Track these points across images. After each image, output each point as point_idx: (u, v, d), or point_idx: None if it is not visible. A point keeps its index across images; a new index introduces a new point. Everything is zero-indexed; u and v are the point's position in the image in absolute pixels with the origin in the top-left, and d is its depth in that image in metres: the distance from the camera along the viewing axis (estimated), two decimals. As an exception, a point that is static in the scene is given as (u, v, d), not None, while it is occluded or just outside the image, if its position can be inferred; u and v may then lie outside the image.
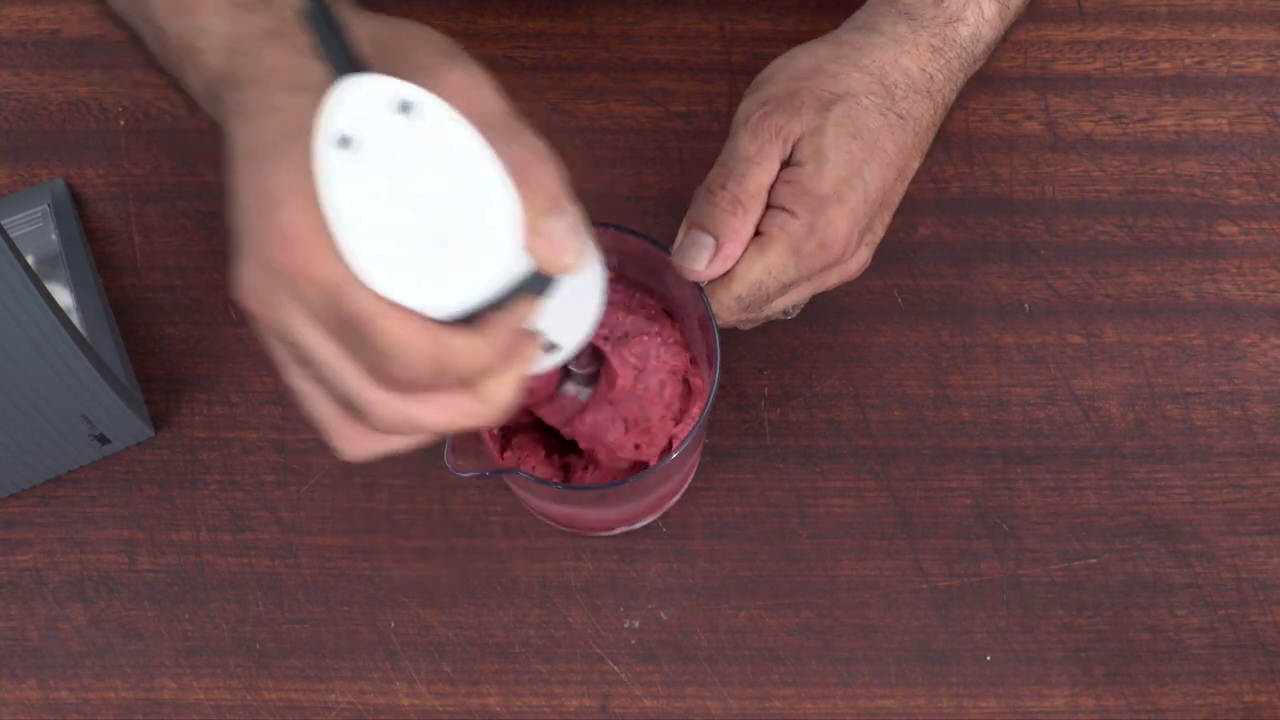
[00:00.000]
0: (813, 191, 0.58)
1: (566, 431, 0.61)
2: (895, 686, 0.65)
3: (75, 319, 0.69)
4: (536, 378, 0.60)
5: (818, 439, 0.69)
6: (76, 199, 0.73)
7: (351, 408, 0.43)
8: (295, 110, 0.42)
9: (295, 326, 0.42)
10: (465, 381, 0.43)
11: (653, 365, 0.61)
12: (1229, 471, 0.68)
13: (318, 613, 0.67)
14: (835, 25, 0.65)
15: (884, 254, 0.71)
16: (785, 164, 0.59)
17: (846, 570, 0.67)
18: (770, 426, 0.69)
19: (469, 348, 0.41)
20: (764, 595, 0.67)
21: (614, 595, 0.67)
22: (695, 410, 0.62)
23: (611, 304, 0.62)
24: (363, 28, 0.43)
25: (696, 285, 0.58)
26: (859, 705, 0.65)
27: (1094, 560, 0.67)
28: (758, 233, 0.58)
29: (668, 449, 0.61)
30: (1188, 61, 0.74)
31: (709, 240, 0.57)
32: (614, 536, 0.67)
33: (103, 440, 0.66)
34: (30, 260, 0.70)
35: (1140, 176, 0.72)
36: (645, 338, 0.61)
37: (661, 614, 0.66)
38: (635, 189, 0.72)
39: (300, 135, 0.41)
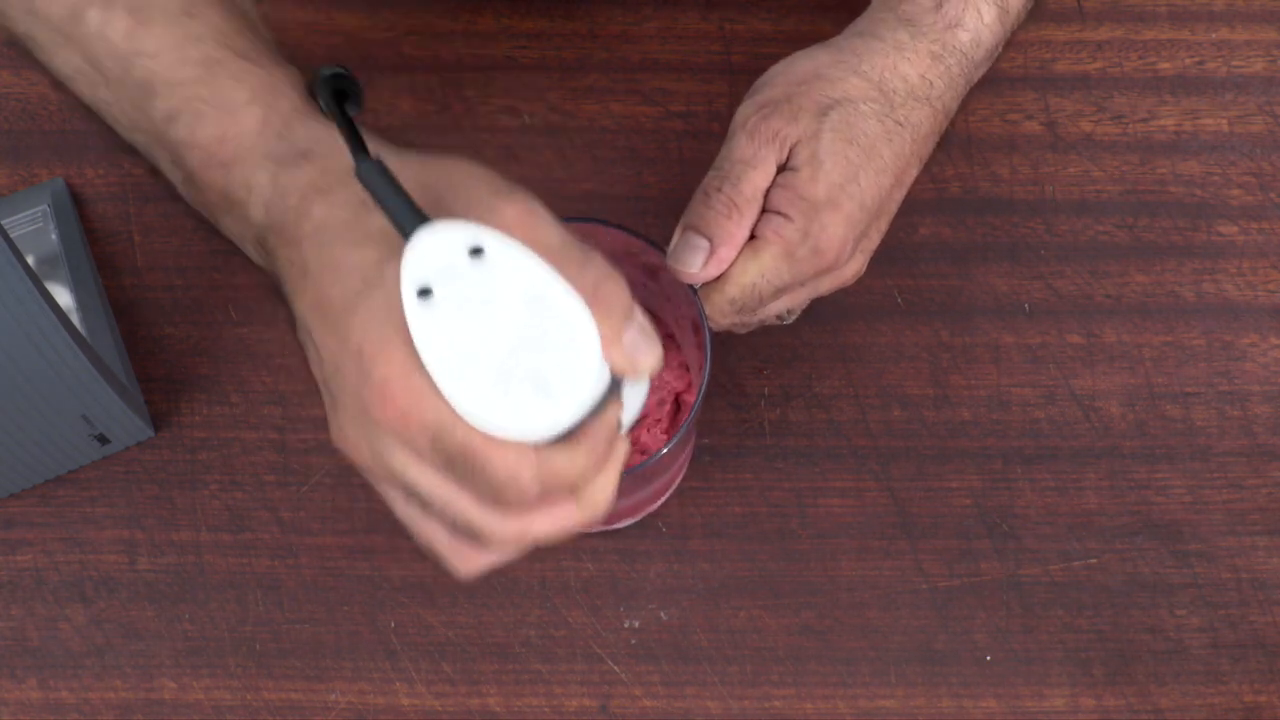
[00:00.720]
0: (808, 196, 0.58)
1: None
2: (895, 686, 0.65)
3: (75, 319, 0.69)
4: None
5: (818, 439, 0.69)
6: (76, 199, 0.73)
7: (468, 533, 0.45)
8: (362, 266, 0.44)
9: (404, 469, 0.44)
10: (569, 491, 0.45)
11: (655, 386, 0.62)
12: (1229, 471, 0.68)
13: (318, 613, 0.67)
14: (836, 25, 0.65)
15: (884, 254, 0.71)
16: (782, 168, 0.59)
17: (846, 570, 0.67)
18: (770, 426, 0.69)
19: (570, 463, 0.44)
20: (764, 595, 0.67)
21: (614, 595, 0.67)
22: (682, 419, 0.62)
23: None
24: (407, 172, 0.45)
25: (690, 287, 0.58)
26: (859, 705, 0.65)
27: (1094, 560, 0.67)
28: (753, 236, 0.58)
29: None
30: (1188, 61, 0.74)
31: (703, 243, 0.57)
32: (613, 537, 0.67)
33: (103, 440, 0.66)
34: (30, 260, 0.70)
35: (1140, 176, 0.72)
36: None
37: (661, 614, 0.66)
38: (635, 189, 0.72)
39: (373, 289, 0.43)
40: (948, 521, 0.67)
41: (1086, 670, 0.66)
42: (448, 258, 0.42)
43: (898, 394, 0.69)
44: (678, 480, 0.67)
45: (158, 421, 0.69)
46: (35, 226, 0.71)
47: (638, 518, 0.67)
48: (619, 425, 0.46)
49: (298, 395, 0.69)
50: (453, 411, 0.42)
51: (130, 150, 0.56)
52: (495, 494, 0.43)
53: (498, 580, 0.67)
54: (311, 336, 0.46)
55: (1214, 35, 0.74)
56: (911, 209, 0.72)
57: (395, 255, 0.43)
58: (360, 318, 0.43)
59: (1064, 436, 0.69)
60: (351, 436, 0.45)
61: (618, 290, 0.44)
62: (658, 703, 0.65)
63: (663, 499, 0.67)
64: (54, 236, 0.71)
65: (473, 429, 0.42)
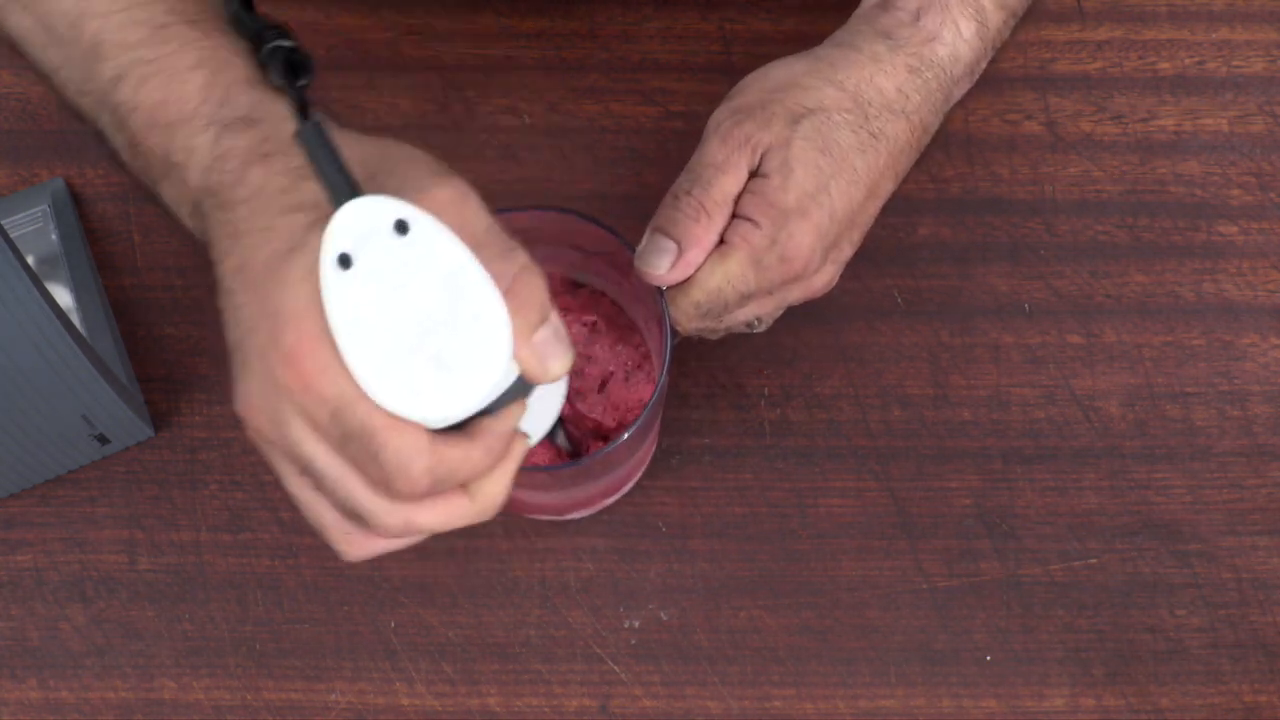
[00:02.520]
0: (777, 204, 0.57)
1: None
2: (895, 686, 0.65)
3: (75, 319, 0.69)
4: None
5: (818, 439, 0.69)
6: (76, 199, 0.73)
7: (354, 515, 0.45)
8: (290, 231, 0.44)
9: (300, 441, 0.44)
10: (461, 485, 0.45)
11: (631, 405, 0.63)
12: (1229, 471, 0.68)
13: (318, 613, 0.67)
14: (836, 25, 0.64)
15: (884, 254, 0.71)
16: (754, 174, 0.59)
17: (846, 570, 0.67)
18: (770, 426, 0.69)
19: (465, 457, 0.44)
20: (764, 595, 0.67)
21: (614, 595, 0.67)
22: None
23: (596, 358, 0.65)
24: (351, 148, 0.44)
25: (658, 289, 0.58)
26: (859, 705, 0.65)
27: (1094, 560, 0.67)
28: (722, 241, 0.58)
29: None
30: (1188, 61, 0.74)
31: (671, 245, 0.57)
32: (614, 536, 0.67)
33: (103, 440, 0.66)
34: (30, 260, 0.70)
35: (1140, 176, 0.72)
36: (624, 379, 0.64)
37: (661, 614, 0.66)
38: (635, 189, 0.72)
39: (297, 255, 0.43)
40: (948, 521, 0.67)
41: (1086, 670, 0.66)
42: (372, 229, 0.41)
43: (898, 394, 0.69)
44: (635, 477, 0.67)
45: (158, 421, 0.69)
46: (35, 226, 0.71)
47: (591, 510, 0.67)
48: (517, 425, 0.45)
49: (298, 395, 0.69)
50: (356, 388, 0.42)
51: (77, 116, 0.55)
52: (386, 479, 0.43)
53: (498, 580, 0.67)
54: (231, 299, 0.46)
55: (1214, 35, 0.74)
56: (911, 209, 0.72)
57: (324, 223, 0.42)
58: (279, 280, 0.43)
59: (1064, 436, 0.69)
60: (255, 402, 0.44)
61: (536, 287, 0.44)
62: (658, 703, 0.65)
63: (618, 494, 0.67)
64: (54, 236, 0.71)
65: (373, 409, 0.42)
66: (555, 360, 0.45)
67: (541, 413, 0.50)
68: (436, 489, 0.44)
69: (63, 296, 0.70)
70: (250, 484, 0.68)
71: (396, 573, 0.67)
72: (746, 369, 0.70)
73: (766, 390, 0.69)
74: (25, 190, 0.72)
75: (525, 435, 0.46)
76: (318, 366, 0.42)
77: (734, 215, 0.58)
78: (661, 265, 0.57)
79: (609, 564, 0.67)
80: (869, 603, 0.66)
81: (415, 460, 0.43)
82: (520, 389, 0.44)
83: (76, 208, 0.72)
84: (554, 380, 0.45)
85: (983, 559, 0.67)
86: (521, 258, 0.44)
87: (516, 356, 0.43)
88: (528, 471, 0.61)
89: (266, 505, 0.68)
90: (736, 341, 0.69)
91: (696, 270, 0.58)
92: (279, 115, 0.48)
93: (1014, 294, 0.71)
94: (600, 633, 0.66)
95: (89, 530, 0.68)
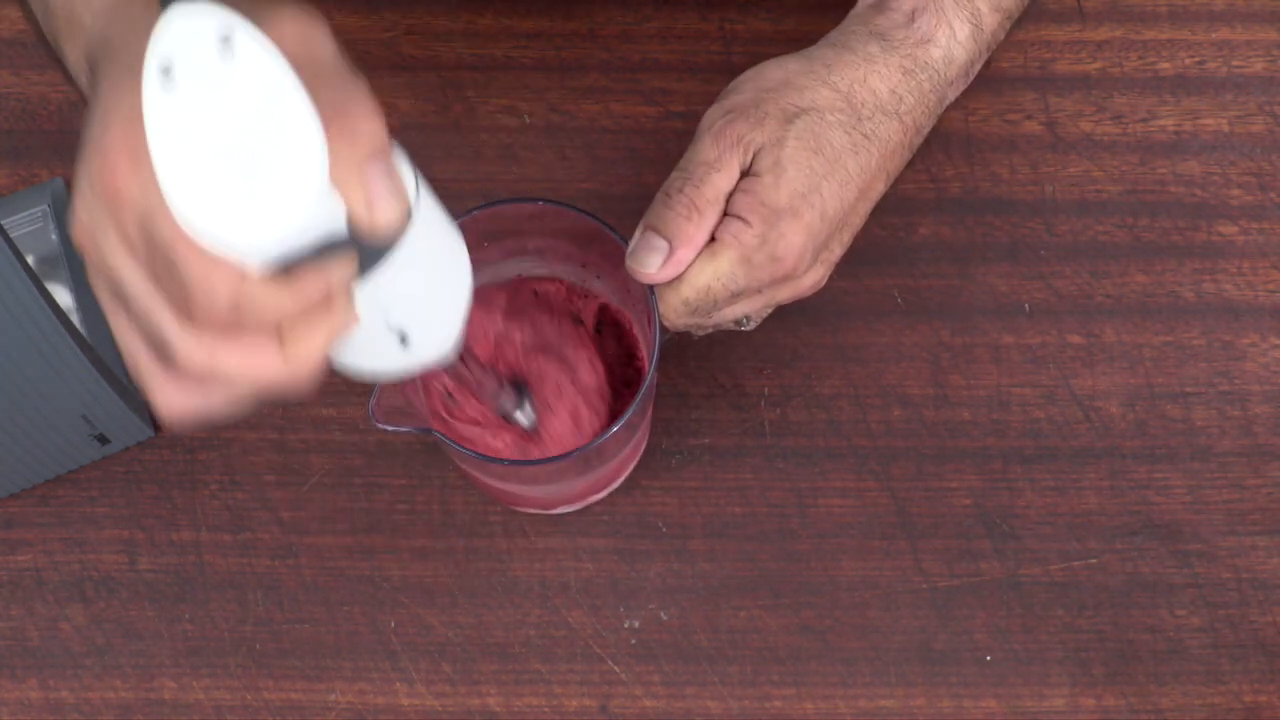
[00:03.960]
0: (768, 203, 0.57)
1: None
2: (895, 686, 0.66)
3: (75, 319, 0.69)
4: (475, 409, 0.62)
5: (818, 439, 0.69)
6: (76, 199, 0.73)
7: (161, 350, 0.43)
8: (141, 49, 0.42)
9: (112, 255, 0.42)
10: (272, 333, 0.42)
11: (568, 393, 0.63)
12: (1229, 471, 0.68)
13: (318, 613, 0.67)
14: (836, 25, 0.65)
15: (884, 254, 0.71)
16: (745, 173, 0.59)
17: (846, 570, 0.67)
18: (770, 426, 0.69)
19: (272, 295, 0.41)
20: (764, 595, 0.67)
21: (614, 595, 0.67)
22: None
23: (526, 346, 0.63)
24: None
25: (648, 286, 0.58)
26: (859, 705, 0.65)
27: (1094, 560, 0.67)
28: (713, 239, 0.58)
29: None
30: (1188, 61, 0.74)
31: (662, 244, 0.57)
32: (614, 536, 0.67)
33: (103, 440, 0.66)
34: (30, 260, 0.70)
35: (1140, 176, 0.72)
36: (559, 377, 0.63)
37: (661, 614, 0.66)
38: (635, 189, 0.72)
39: (138, 65, 0.40)
40: (948, 521, 0.67)
41: (1086, 670, 0.66)
42: (196, 41, 0.39)
43: (898, 394, 0.69)
44: (625, 473, 0.67)
45: (157, 421, 0.69)
46: (35, 226, 0.71)
47: (579, 505, 0.67)
48: (346, 281, 0.42)
49: (298, 395, 0.69)
50: (163, 198, 0.40)
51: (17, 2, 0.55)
52: (186, 297, 0.41)
53: (498, 580, 0.67)
54: (86, 128, 0.44)
55: (1214, 35, 0.74)
56: (911, 209, 0.72)
57: None
58: (121, 93, 0.42)
59: (1064, 436, 0.69)
60: (81, 218, 0.42)
61: (369, 120, 0.41)
62: (658, 703, 0.65)
63: (607, 490, 0.67)
64: (54, 236, 0.71)
65: (178, 223, 0.40)
66: (384, 202, 0.41)
67: (431, 319, 0.47)
68: (241, 320, 0.41)
69: (63, 296, 0.70)
70: (250, 484, 0.68)
71: (396, 573, 0.67)
72: (746, 369, 0.70)
73: (766, 390, 0.69)
74: (25, 190, 0.72)
75: (350, 298, 0.43)
76: (126, 169, 0.40)
77: (725, 213, 0.58)
78: (652, 264, 0.57)
79: (609, 564, 0.67)
80: (869, 603, 0.66)
81: (217, 279, 0.40)
82: (355, 247, 0.41)
83: (76, 208, 0.72)
84: (383, 228, 0.41)
85: (983, 559, 0.67)
86: (358, 90, 0.41)
87: (341, 191, 0.40)
88: (512, 465, 0.62)
89: (266, 505, 0.68)
90: (736, 342, 0.69)
91: (687, 268, 0.58)
92: None
93: (1014, 294, 0.71)
94: (600, 633, 0.66)
95: (89, 530, 0.68)
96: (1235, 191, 0.72)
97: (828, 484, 0.68)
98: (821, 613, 0.66)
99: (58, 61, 0.53)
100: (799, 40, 0.64)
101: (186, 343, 0.42)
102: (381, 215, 0.41)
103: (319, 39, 0.42)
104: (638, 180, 0.72)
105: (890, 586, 0.67)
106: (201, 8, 0.40)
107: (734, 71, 0.64)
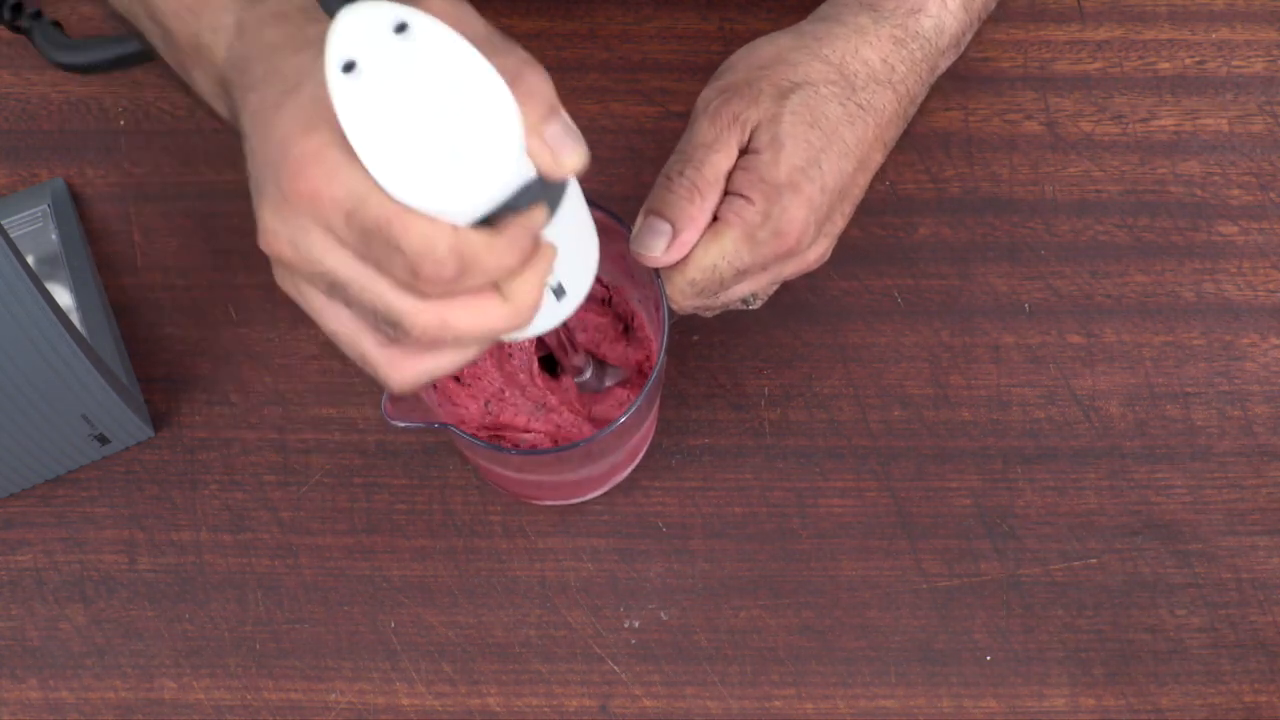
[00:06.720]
0: (768, 179, 0.58)
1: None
2: (895, 686, 0.66)
3: (75, 319, 0.69)
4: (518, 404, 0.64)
5: (818, 439, 0.69)
6: (76, 199, 0.73)
7: (389, 326, 0.44)
8: (298, 68, 0.44)
9: (321, 255, 0.43)
10: (491, 284, 0.44)
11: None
12: (1229, 471, 0.68)
13: (318, 613, 0.67)
14: (835, 25, 0.65)
15: (884, 254, 0.71)
16: (744, 151, 0.59)
17: (846, 570, 0.67)
18: (770, 426, 0.69)
19: (489, 247, 0.43)
20: (764, 595, 0.67)
21: (614, 595, 0.67)
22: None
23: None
24: None
25: (654, 271, 0.58)
26: (859, 705, 0.65)
27: (1094, 560, 0.67)
28: (715, 219, 0.58)
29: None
30: (1188, 61, 0.74)
31: (666, 227, 0.57)
32: (614, 536, 0.67)
33: (103, 440, 0.66)
34: (30, 260, 0.70)
35: (1140, 176, 0.72)
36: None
37: (661, 614, 0.66)
38: (635, 189, 0.72)
39: (303, 85, 0.43)
40: (948, 521, 0.67)
41: (1086, 670, 0.66)
42: (373, 34, 0.42)
43: (898, 394, 0.69)
44: (634, 462, 0.67)
45: (158, 421, 0.69)
46: (35, 226, 0.71)
47: (590, 495, 0.67)
48: (542, 227, 0.44)
49: (298, 395, 0.69)
50: (368, 183, 0.42)
51: (121, 22, 0.56)
52: (412, 269, 0.42)
53: (498, 580, 0.67)
54: (249, 147, 0.46)
55: (1214, 35, 0.74)
56: (911, 209, 0.72)
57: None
58: (287, 110, 0.43)
59: (1064, 436, 0.69)
60: (272, 227, 0.44)
61: (541, 80, 0.44)
62: (658, 703, 0.65)
63: (616, 479, 0.67)
64: (54, 236, 0.71)
65: (387, 200, 0.42)
66: (568, 152, 0.44)
67: (576, 269, 0.49)
68: (464, 281, 0.43)
69: (63, 296, 0.70)
70: (250, 484, 0.68)
71: (396, 573, 0.67)
72: (746, 369, 0.70)
73: (766, 390, 0.69)
74: (25, 190, 0.72)
75: (552, 245, 0.45)
76: (325, 172, 0.42)
77: (726, 192, 0.58)
78: (657, 247, 0.57)
79: (609, 564, 0.67)
80: (869, 603, 0.66)
81: (438, 241, 0.42)
82: (542, 191, 0.44)
83: (76, 208, 0.72)
84: (570, 173, 0.44)
85: (983, 559, 0.67)
86: (522, 53, 0.44)
87: (529, 149, 0.43)
88: (520, 455, 0.62)
89: (266, 505, 0.68)
90: (737, 341, 0.69)
91: (691, 249, 0.58)
92: None
93: (1014, 294, 0.71)
94: (600, 633, 0.66)
95: (89, 530, 0.68)
96: (1235, 191, 0.72)
97: (828, 484, 0.68)
98: (821, 613, 0.66)
99: (184, 86, 0.54)
100: (799, 40, 0.64)
101: (418, 312, 0.44)
102: (568, 161, 0.44)
103: (470, 16, 0.44)
104: (638, 180, 0.72)
105: (890, 586, 0.67)
106: (370, 6, 0.42)
107: (734, 71, 0.64)
